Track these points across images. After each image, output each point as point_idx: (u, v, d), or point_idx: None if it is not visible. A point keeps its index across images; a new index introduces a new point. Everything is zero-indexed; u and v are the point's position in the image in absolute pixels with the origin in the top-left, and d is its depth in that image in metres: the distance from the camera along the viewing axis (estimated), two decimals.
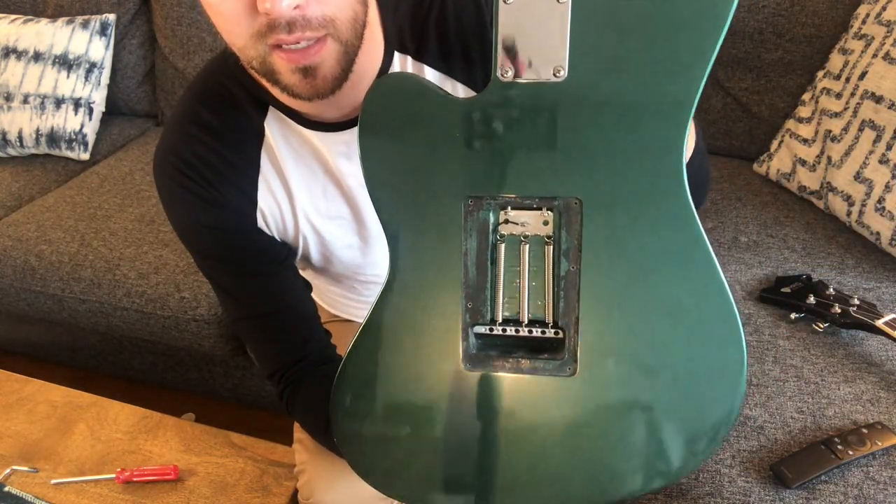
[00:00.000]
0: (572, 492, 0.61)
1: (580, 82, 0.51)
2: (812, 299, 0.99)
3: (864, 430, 0.84)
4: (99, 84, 1.77)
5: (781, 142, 1.34)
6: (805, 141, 1.28)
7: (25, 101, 1.73)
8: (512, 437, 0.61)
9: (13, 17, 1.81)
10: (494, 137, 0.54)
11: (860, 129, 1.15)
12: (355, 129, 0.57)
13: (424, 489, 0.64)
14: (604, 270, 0.55)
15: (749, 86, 1.41)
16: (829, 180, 1.20)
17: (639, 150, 0.52)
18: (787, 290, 1.04)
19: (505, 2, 0.49)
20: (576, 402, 0.58)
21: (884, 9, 1.18)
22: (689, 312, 0.55)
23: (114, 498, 0.99)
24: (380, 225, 0.58)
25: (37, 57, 1.74)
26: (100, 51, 1.76)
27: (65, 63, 1.74)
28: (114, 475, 1.00)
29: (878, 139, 1.12)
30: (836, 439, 0.83)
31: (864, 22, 1.22)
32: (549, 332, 0.59)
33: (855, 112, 1.17)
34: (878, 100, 1.13)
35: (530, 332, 0.59)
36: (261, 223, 0.75)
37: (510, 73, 0.51)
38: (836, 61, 1.26)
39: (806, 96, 1.32)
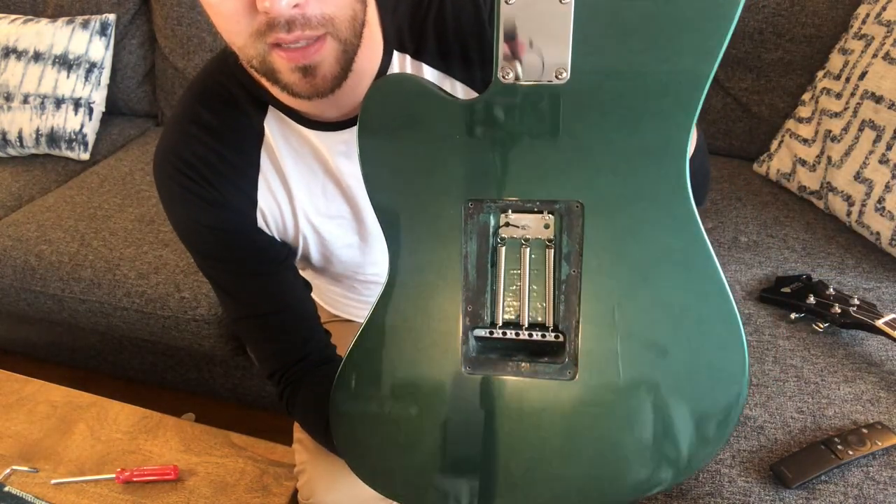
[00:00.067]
0: (572, 495, 0.61)
1: (583, 84, 0.50)
2: (812, 299, 0.99)
3: (864, 430, 0.84)
4: (99, 84, 1.77)
5: (781, 142, 1.34)
6: (805, 141, 1.28)
7: (25, 101, 1.73)
8: (511, 441, 0.60)
9: (13, 17, 1.81)
10: (495, 140, 0.53)
11: (860, 129, 1.15)
12: (355, 129, 0.57)
13: (423, 491, 0.64)
14: (605, 274, 0.55)
15: (749, 86, 1.41)
16: (829, 180, 1.20)
17: (642, 153, 0.51)
18: (787, 290, 1.04)
19: (506, 2, 0.49)
20: (576, 406, 0.58)
21: (884, 9, 1.18)
22: (691, 315, 0.54)
23: (114, 498, 0.99)
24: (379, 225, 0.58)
25: (37, 57, 1.74)
26: (100, 51, 1.76)
27: (65, 63, 1.74)
28: (114, 475, 1.00)
29: (878, 139, 1.12)
30: (836, 439, 0.83)
31: (864, 22, 1.22)
32: (550, 336, 0.58)
33: (855, 112, 1.17)
34: (878, 100, 1.13)
35: (531, 335, 0.59)
36: (261, 223, 0.75)
37: (511, 75, 0.51)
38: (836, 61, 1.26)
39: (806, 96, 1.32)
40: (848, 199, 1.16)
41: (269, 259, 0.77)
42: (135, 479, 1.00)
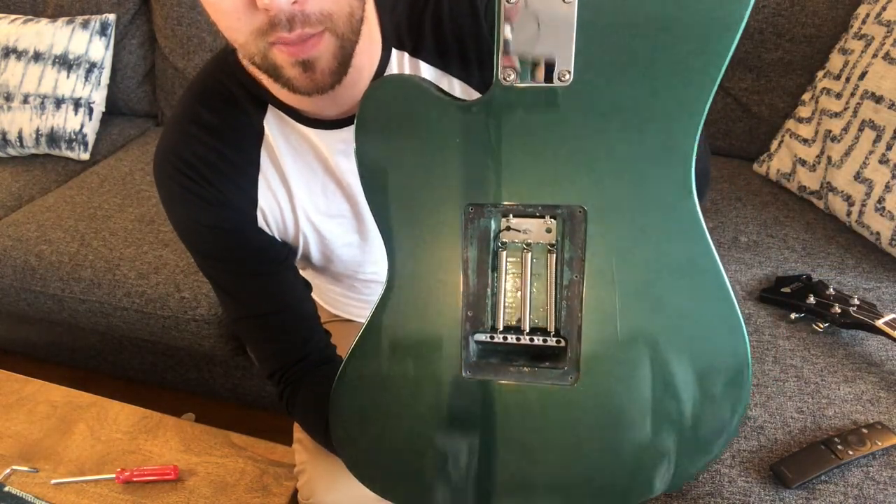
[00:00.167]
0: (571, 499, 0.61)
1: (586, 87, 0.49)
2: (812, 299, 0.99)
3: (864, 430, 0.84)
4: (99, 84, 1.77)
5: (781, 142, 1.34)
6: (805, 141, 1.28)
7: (25, 101, 1.73)
8: (511, 445, 0.60)
9: (13, 17, 1.81)
10: (496, 143, 0.52)
11: (860, 129, 1.15)
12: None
13: (421, 494, 0.64)
14: (608, 280, 0.54)
15: (749, 86, 1.41)
16: (829, 180, 1.20)
17: (647, 157, 0.50)
18: (787, 290, 1.04)
19: (507, 1, 0.47)
20: (577, 411, 0.58)
21: (884, 9, 1.18)
22: (694, 321, 0.53)
23: (114, 498, 0.99)
24: None
25: (37, 57, 1.74)
26: (100, 51, 1.76)
27: (65, 63, 1.74)
28: (114, 475, 1.00)
29: (878, 139, 1.12)
30: (836, 439, 0.83)
31: (864, 22, 1.22)
32: (551, 341, 0.57)
33: (855, 112, 1.17)
34: (878, 100, 1.13)
35: (532, 340, 0.58)
36: (261, 222, 0.75)
37: (512, 77, 0.50)
38: (836, 61, 1.26)
39: (806, 96, 1.32)
40: (848, 199, 1.16)
41: (269, 259, 0.77)
42: (135, 479, 1.00)
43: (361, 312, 1.00)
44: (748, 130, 1.44)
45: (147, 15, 1.85)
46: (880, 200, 1.11)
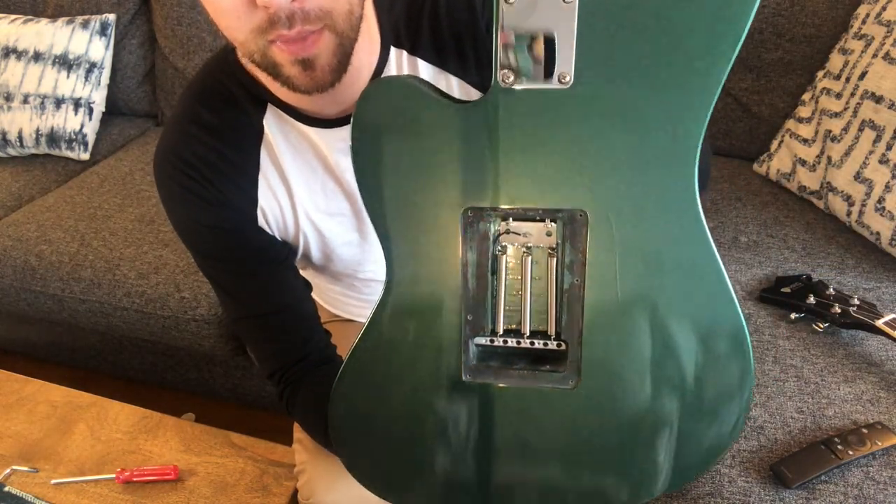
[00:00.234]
0: (571, 502, 0.61)
1: (587, 89, 0.48)
2: (812, 299, 0.99)
3: (864, 430, 0.84)
4: (99, 84, 1.77)
5: (781, 142, 1.34)
6: (805, 141, 1.28)
7: (25, 101, 1.73)
8: (511, 448, 0.60)
9: (13, 17, 1.81)
10: (495, 147, 0.51)
11: (860, 129, 1.15)
12: None
13: (420, 496, 0.64)
14: (610, 284, 0.53)
15: (749, 86, 1.41)
16: (829, 180, 1.20)
17: (649, 161, 0.49)
18: (787, 290, 1.04)
19: (507, 1, 0.47)
20: (578, 414, 0.57)
21: (884, 9, 1.18)
22: (698, 325, 0.53)
23: (114, 498, 0.99)
24: None
25: (37, 57, 1.74)
26: (100, 51, 1.76)
27: (65, 63, 1.74)
28: (114, 475, 1.00)
29: (878, 139, 1.12)
30: (836, 439, 0.83)
31: (864, 22, 1.22)
32: (552, 344, 0.57)
33: (855, 112, 1.17)
34: (878, 100, 1.13)
35: (532, 343, 0.57)
36: (261, 221, 0.75)
37: (511, 79, 0.49)
38: (836, 61, 1.26)
39: (806, 96, 1.32)
40: (848, 199, 1.16)
41: (269, 259, 0.77)
42: (135, 479, 1.00)
43: (361, 312, 1.00)
44: (748, 130, 1.44)
45: (147, 15, 1.85)
46: (880, 200, 1.11)
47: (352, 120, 0.54)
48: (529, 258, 0.55)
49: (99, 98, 1.78)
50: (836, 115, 1.20)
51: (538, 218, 0.54)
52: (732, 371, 0.54)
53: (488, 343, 0.58)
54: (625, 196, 0.51)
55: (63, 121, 1.73)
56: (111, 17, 1.78)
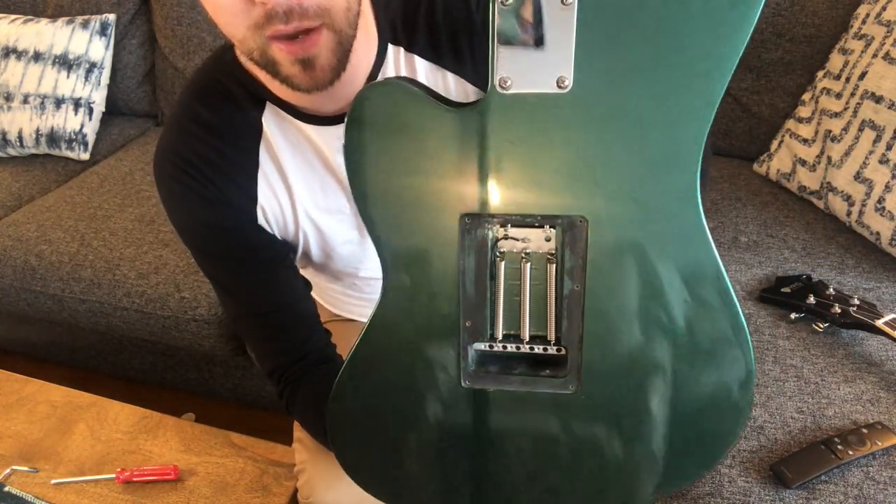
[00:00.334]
0: None
1: (587, 93, 0.47)
2: (812, 299, 0.99)
3: (864, 430, 0.83)
4: (99, 84, 1.77)
5: (781, 142, 1.34)
6: (805, 141, 1.28)
7: (25, 101, 1.73)
8: (510, 453, 0.60)
9: (13, 17, 1.81)
10: (493, 152, 0.50)
11: (860, 129, 1.15)
12: None
13: (416, 500, 0.64)
14: (610, 289, 0.52)
15: (749, 86, 1.41)
16: (829, 180, 1.20)
17: (650, 166, 0.48)
18: (787, 290, 1.04)
19: (503, 3, 0.45)
20: (577, 419, 0.57)
21: (884, 9, 1.18)
22: (698, 329, 0.53)
23: (114, 498, 0.99)
24: None
25: (37, 57, 1.74)
26: (100, 51, 1.76)
27: (65, 63, 1.74)
28: (114, 475, 1.00)
29: (878, 139, 1.12)
30: (836, 439, 0.83)
31: (864, 22, 1.22)
32: (552, 350, 0.57)
33: (855, 112, 1.17)
34: (878, 100, 1.13)
35: (531, 348, 0.57)
36: (261, 220, 0.75)
37: (508, 83, 0.47)
38: (836, 61, 1.26)
39: (806, 96, 1.32)
40: (848, 199, 1.16)
41: (269, 257, 0.77)
42: (135, 479, 0.99)
43: (362, 311, 1.00)
44: (748, 130, 1.44)
45: (147, 15, 1.85)
46: (880, 200, 1.11)
47: (345, 123, 0.52)
48: (528, 264, 0.54)
49: (99, 98, 1.78)
50: (836, 115, 1.20)
51: (537, 224, 0.53)
52: (733, 373, 0.54)
53: (487, 348, 0.57)
54: (625, 201, 0.50)
55: (63, 121, 1.73)
56: (111, 17, 1.78)
